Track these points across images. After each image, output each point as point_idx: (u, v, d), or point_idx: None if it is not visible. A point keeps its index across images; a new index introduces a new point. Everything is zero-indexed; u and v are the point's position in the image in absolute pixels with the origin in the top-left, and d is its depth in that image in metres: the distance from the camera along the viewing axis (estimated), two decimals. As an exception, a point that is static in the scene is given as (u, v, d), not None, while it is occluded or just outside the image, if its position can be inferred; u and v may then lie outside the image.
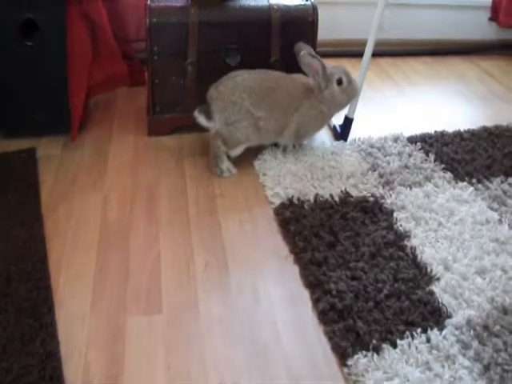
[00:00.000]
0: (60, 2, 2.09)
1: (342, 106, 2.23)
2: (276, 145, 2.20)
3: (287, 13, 2.27)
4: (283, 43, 2.28)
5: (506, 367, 1.38)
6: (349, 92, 2.18)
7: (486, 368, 1.38)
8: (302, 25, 2.31)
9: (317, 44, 2.34)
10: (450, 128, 2.40)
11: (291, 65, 2.19)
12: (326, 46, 2.82)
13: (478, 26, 3.29)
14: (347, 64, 2.84)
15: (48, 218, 1.83)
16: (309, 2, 2.31)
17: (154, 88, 2.25)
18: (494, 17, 3.25)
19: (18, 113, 2.19)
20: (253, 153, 2.17)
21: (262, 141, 2.15)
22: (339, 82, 2.15)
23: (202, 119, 2.10)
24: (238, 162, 2.15)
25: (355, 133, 2.31)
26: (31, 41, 2.10)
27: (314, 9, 2.30)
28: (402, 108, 2.65)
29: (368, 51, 2.22)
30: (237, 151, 2.12)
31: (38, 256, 1.66)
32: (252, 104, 2.07)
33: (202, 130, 2.26)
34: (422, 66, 3.09)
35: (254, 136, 2.10)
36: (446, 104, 2.71)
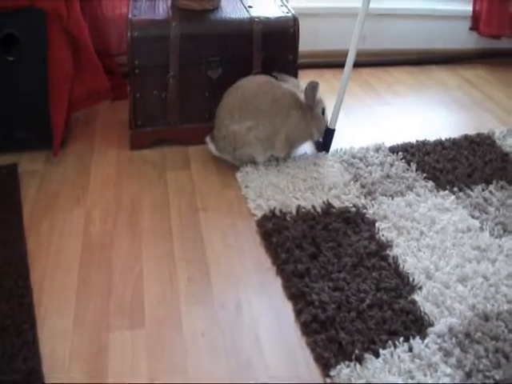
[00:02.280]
0: (40, 17, 2.09)
1: (317, 131, 2.26)
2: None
3: (268, 25, 2.28)
4: (265, 55, 2.29)
5: (488, 373, 1.39)
6: (323, 124, 2.26)
7: (468, 375, 1.39)
8: (284, 36, 2.32)
9: (298, 55, 2.36)
10: (432, 137, 2.42)
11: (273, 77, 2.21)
12: (307, 58, 2.84)
13: (459, 35, 3.31)
14: (329, 74, 2.88)
15: (30, 235, 1.83)
16: (290, 14, 2.33)
17: (136, 101, 2.25)
18: (475, 26, 3.28)
19: (-1, 128, 2.20)
20: (235, 164, 2.17)
21: (264, 151, 2.17)
22: (323, 112, 2.23)
23: (211, 147, 2.20)
24: (220, 174, 2.17)
25: (337, 143, 2.31)
26: (12, 56, 2.10)
27: (295, 20, 2.31)
28: (383, 118, 2.66)
29: (349, 61, 2.23)
30: (260, 159, 2.18)
31: (20, 273, 1.65)
32: (236, 122, 2.10)
33: (185, 143, 2.28)
34: (404, 76, 3.10)
35: (258, 149, 2.14)
36: (428, 113, 2.73)
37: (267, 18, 2.29)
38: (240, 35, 2.26)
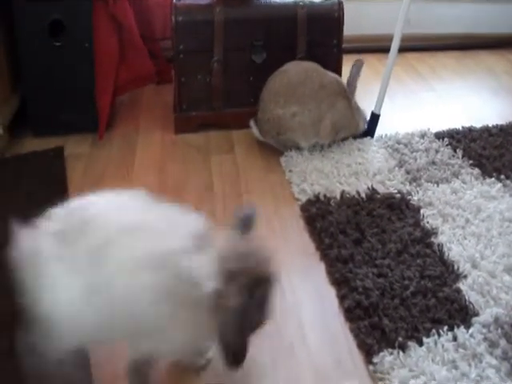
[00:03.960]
0: (86, 3, 2.11)
1: (362, 121, 2.26)
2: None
3: (313, 9, 2.27)
4: (309, 39, 2.28)
5: (535, 366, 1.37)
6: (363, 114, 2.27)
7: (514, 367, 1.37)
8: (328, 21, 2.31)
9: (343, 40, 2.34)
10: (478, 123, 2.39)
11: (317, 61, 2.20)
12: (352, 42, 2.82)
13: (506, 19, 3.25)
14: (373, 59, 2.86)
15: (76, 216, 1.85)
16: (334, -2, 2.31)
17: (181, 86, 2.26)
18: (523, 9, 3.22)
19: (47, 112, 2.22)
20: (279, 149, 2.17)
21: (307, 137, 2.15)
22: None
23: (255, 131, 2.20)
24: (264, 158, 2.17)
25: (382, 129, 2.30)
26: (59, 41, 2.12)
27: (340, 4, 2.30)
28: (429, 103, 2.63)
29: (394, 46, 2.20)
30: (303, 145, 2.17)
31: (66, 254, 1.68)
32: (281, 107, 2.09)
33: (228, 127, 2.28)
34: (450, 61, 3.06)
35: (302, 135, 2.13)
36: (474, 99, 2.69)
37: (312, 2, 2.28)
38: (284, 19, 2.26)
